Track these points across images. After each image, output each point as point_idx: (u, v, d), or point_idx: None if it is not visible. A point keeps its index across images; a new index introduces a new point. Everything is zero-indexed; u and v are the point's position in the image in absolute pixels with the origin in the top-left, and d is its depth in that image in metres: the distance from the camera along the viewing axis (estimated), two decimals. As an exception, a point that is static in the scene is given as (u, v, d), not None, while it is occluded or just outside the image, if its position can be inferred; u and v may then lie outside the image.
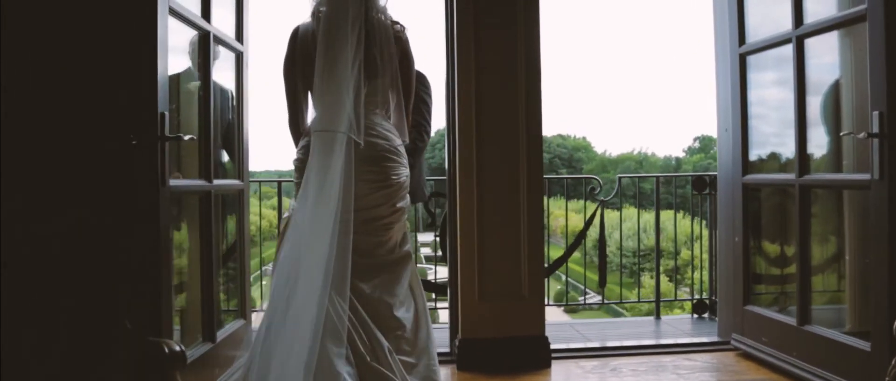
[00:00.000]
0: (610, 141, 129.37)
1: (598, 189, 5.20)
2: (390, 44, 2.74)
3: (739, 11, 3.59)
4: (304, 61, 2.76)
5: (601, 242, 5.16)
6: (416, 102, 4.16)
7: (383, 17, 2.76)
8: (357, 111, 2.64)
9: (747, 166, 3.60)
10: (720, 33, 3.75)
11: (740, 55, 3.59)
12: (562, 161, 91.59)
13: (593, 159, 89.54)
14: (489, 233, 3.44)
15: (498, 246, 3.46)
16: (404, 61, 2.85)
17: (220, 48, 3.25)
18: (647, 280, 28.12)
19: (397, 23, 2.82)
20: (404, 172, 2.82)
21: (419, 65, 3.48)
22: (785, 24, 3.22)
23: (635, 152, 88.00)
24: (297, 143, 2.88)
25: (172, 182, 2.58)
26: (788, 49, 3.20)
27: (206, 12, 2.98)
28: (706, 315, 4.81)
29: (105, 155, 2.42)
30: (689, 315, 4.93)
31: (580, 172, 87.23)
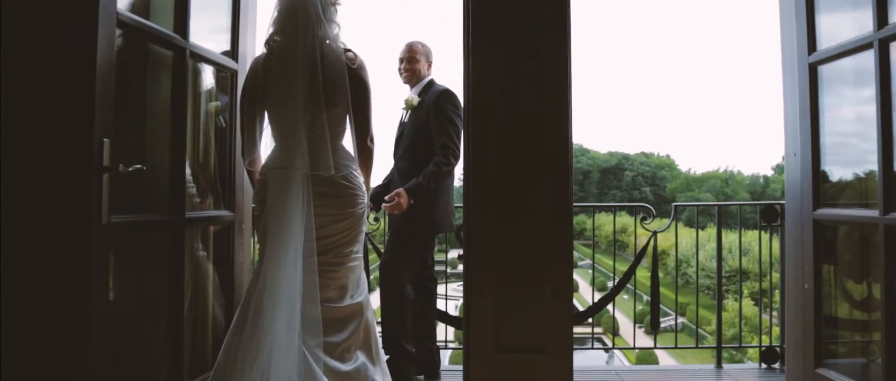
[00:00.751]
0: (695, 158, 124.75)
1: (650, 218, 4.59)
2: (342, 74, 2.74)
3: (808, 13, 2.96)
4: (254, 93, 2.79)
5: (654, 280, 4.54)
6: (443, 122, 3.74)
7: (335, 47, 2.78)
8: (312, 144, 2.68)
9: (819, 198, 2.94)
10: (787, 41, 3.12)
11: (810, 65, 2.95)
12: (645, 179, 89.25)
13: (677, 177, 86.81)
14: (506, 271, 2.91)
15: (516, 287, 2.93)
16: (359, 90, 2.83)
17: (205, 66, 2.92)
18: (731, 303, 26.60)
19: (350, 51, 2.82)
20: (362, 205, 2.87)
21: (443, 82, 3.84)
22: (865, 26, 2.62)
23: (721, 170, 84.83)
24: (247, 170, 2.97)
25: (122, 217, 2.23)
26: (869, 56, 2.59)
27: (181, 28, 2.63)
28: (777, 366, 4.11)
29: (35, 187, 2.09)
30: (757, 366, 4.24)
31: (663, 191, 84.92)
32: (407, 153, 3.89)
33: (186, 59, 2.63)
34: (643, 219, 4.53)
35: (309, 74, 2.67)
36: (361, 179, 2.92)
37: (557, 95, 2.84)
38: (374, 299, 3.40)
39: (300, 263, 2.59)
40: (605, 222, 70.70)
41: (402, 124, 3.99)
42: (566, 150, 2.89)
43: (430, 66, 3.98)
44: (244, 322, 2.58)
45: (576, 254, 69.17)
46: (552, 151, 2.87)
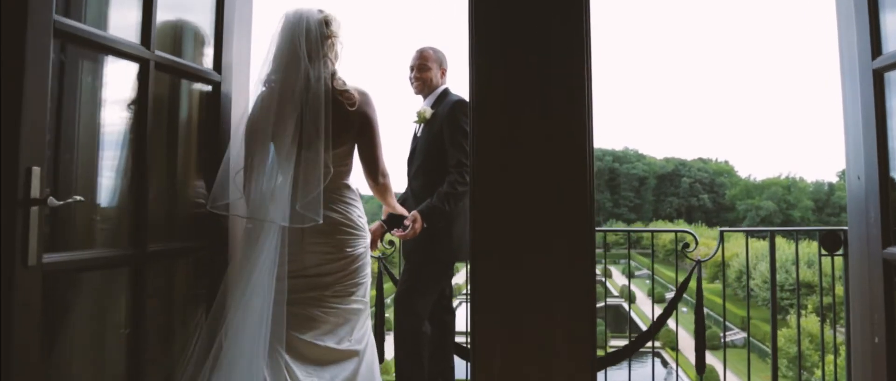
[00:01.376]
0: (755, 164, 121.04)
1: (692, 246, 4.09)
2: (344, 114, 2.68)
3: (871, 12, 2.45)
4: (254, 130, 2.70)
5: (699, 313, 4.05)
6: (457, 135, 3.37)
7: (337, 86, 2.70)
8: (303, 188, 2.58)
9: (890, 233, 2.44)
10: (845, 44, 2.58)
11: (874, 72, 2.43)
12: (703, 186, 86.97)
13: (737, 184, 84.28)
14: (513, 315, 2.48)
15: (523, 336, 2.50)
16: (363, 128, 2.76)
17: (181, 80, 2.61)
18: (793, 319, 25.37)
19: (347, 90, 2.71)
20: (362, 244, 2.80)
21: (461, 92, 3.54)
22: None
23: (782, 176, 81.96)
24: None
25: (62, 256, 1.92)
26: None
27: (145, 37, 2.32)
28: (846, 412, 3.59)
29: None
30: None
31: (722, 198, 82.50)
32: (421, 171, 3.52)
33: (150, 71, 2.32)
34: (685, 247, 4.02)
35: (298, 117, 2.61)
36: (363, 220, 2.85)
37: (574, 98, 2.42)
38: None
39: (267, 320, 2.44)
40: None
41: (415, 139, 3.63)
42: (584, 170, 2.45)
43: (444, 74, 3.61)
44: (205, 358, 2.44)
45: (633, 263, 67.94)
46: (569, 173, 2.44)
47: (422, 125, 3.59)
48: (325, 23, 2.74)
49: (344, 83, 2.74)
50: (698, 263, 4.02)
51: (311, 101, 2.63)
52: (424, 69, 3.58)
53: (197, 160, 2.76)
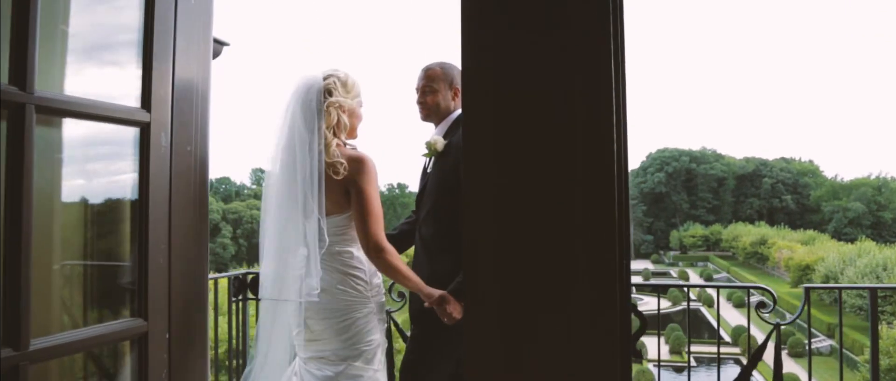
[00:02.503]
0: (842, 163, 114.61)
1: (770, 306, 3.23)
2: (335, 182, 2.65)
3: None
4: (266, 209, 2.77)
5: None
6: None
7: (328, 158, 2.65)
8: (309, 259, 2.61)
9: None
10: None
11: None
12: (785, 187, 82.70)
13: (822, 185, 79.74)
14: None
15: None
16: (355, 197, 2.67)
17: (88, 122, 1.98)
18: (885, 330, 23.34)
19: (334, 163, 2.65)
20: (360, 312, 2.68)
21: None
22: None
23: (872, 176, 76.89)
24: None
25: None
26: None
27: (19, 74, 1.69)
28: None
29: None
30: None
31: (807, 199, 78.17)
32: (431, 216, 2.81)
33: (26, 116, 1.70)
34: (760, 307, 3.16)
35: (307, 190, 2.63)
36: (366, 287, 2.73)
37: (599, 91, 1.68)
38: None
39: None
40: (741, 232, 66.35)
41: (424, 175, 2.93)
42: (610, 185, 1.69)
43: (457, 94, 2.89)
44: None
45: (711, 266, 65.55)
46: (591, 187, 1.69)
47: (432, 159, 2.89)
48: (327, 91, 2.69)
49: (336, 153, 2.67)
50: (777, 327, 3.14)
51: (309, 175, 2.62)
52: (429, 91, 2.89)
53: (120, 226, 2.14)
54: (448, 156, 2.82)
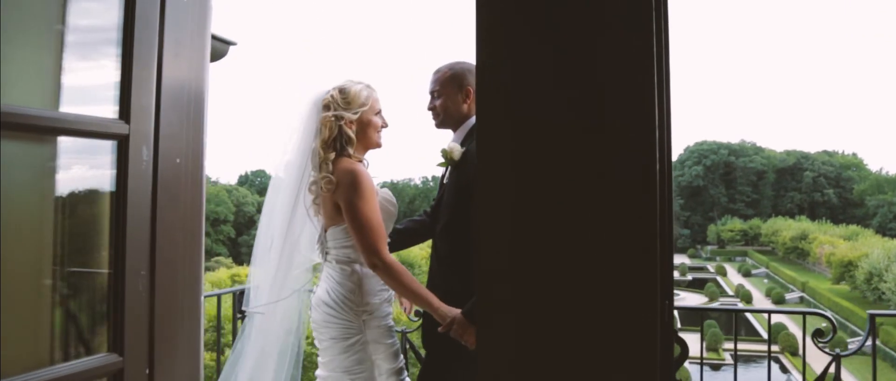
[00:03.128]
0: (887, 156, 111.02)
1: (830, 335, 2.87)
2: (330, 196, 2.60)
3: None
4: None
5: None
6: None
7: (322, 171, 2.59)
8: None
9: None
10: None
11: None
12: (828, 181, 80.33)
13: (866, 178, 77.24)
14: None
15: None
16: (345, 209, 2.58)
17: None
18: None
19: (326, 176, 2.58)
20: (341, 327, 2.56)
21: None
22: None
23: (920, 170, 74.20)
24: None
25: None
26: None
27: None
28: None
29: None
30: None
31: (850, 193, 75.81)
32: (447, 231, 2.55)
33: None
34: (817, 335, 2.80)
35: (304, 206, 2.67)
36: (354, 307, 2.60)
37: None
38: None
39: None
40: (781, 227, 64.66)
41: (441, 187, 2.67)
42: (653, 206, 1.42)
43: (471, 97, 2.61)
44: None
45: (749, 261, 64.11)
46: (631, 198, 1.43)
47: (448, 168, 2.63)
48: (324, 106, 2.64)
49: (327, 168, 2.60)
50: (837, 358, 2.79)
51: (311, 186, 2.64)
52: (437, 96, 2.63)
53: (97, 248, 1.91)
54: (465, 165, 2.56)
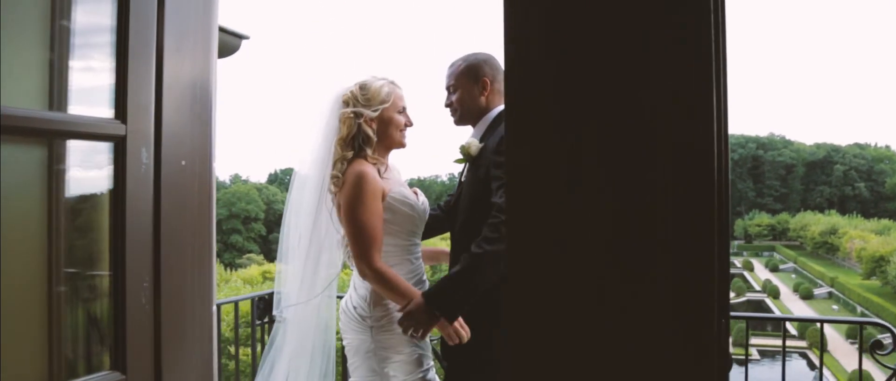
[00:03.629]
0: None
1: (891, 346, 2.63)
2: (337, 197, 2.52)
3: None
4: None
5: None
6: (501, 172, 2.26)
7: (334, 171, 2.49)
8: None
9: None
10: None
11: None
12: (859, 174, 78.59)
13: (900, 171, 75.25)
14: None
15: None
16: (343, 212, 2.46)
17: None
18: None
19: (336, 176, 2.47)
20: (354, 335, 2.48)
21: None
22: None
23: (956, 163, 72.31)
24: None
25: None
26: None
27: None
28: None
29: None
30: None
31: (882, 187, 74.07)
32: (464, 230, 2.41)
33: None
34: (876, 347, 2.56)
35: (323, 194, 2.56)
36: (363, 312, 2.47)
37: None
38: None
39: None
40: (810, 221, 63.44)
41: (459, 185, 2.52)
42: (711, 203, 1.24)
43: (489, 89, 2.44)
44: None
45: (776, 256, 63.03)
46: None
47: (466, 166, 2.47)
48: (344, 103, 2.52)
49: (339, 167, 2.49)
50: (896, 372, 2.56)
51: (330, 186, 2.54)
52: (453, 90, 2.47)
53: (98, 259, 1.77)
54: (481, 161, 2.40)
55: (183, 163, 1.94)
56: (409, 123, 2.58)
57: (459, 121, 2.52)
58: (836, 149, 78.46)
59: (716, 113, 1.21)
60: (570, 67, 1.26)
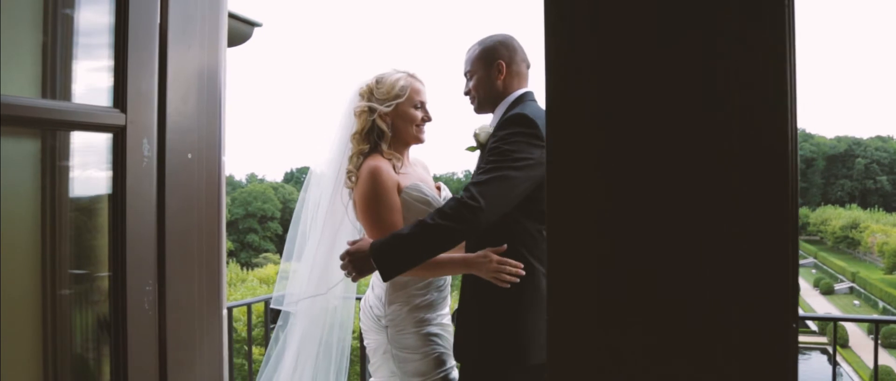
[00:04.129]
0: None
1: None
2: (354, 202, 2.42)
3: None
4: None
5: None
6: (492, 152, 2.13)
7: (350, 165, 2.39)
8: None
9: None
10: None
11: None
12: (881, 168, 77.47)
13: (923, 164, 74.09)
14: None
15: None
16: (359, 210, 2.36)
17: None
18: None
19: (351, 172, 2.37)
20: (370, 334, 2.41)
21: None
22: None
23: (980, 155, 71.12)
24: None
25: None
26: None
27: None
28: None
29: None
30: None
31: (904, 181, 72.92)
32: None
33: None
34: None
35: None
36: (379, 312, 2.39)
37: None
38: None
39: None
40: (830, 216, 62.60)
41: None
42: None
43: (506, 71, 2.26)
44: None
45: (796, 251, 62.38)
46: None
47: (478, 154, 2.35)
48: (360, 96, 2.41)
49: (354, 163, 2.38)
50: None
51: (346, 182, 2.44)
52: (470, 77, 2.33)
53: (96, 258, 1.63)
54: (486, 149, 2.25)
55: (189, 156, 1.80)
56: (426, 118, 2.44)
57: (479, 108, 2.36)
58: (857, 142, 77.37)
59: (789, 111, 1.05)
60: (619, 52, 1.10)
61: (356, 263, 2.19)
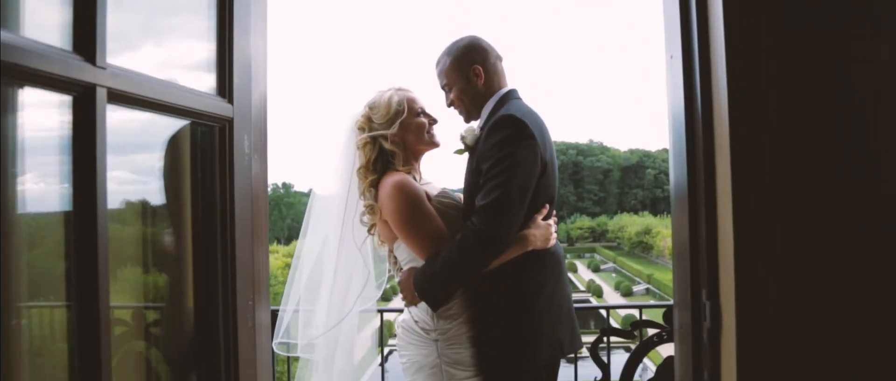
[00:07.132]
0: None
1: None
2: (380, 221, 2.33)
3: None
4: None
5: None
6: (488, 167, 2.12)
7: (365, 197, 2.35)
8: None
9: None
10: None
11: None
12: (667, 177, 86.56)
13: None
14: None
15: None
16: (396, 229, 2.28)
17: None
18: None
19: (369, 205, 2.31)
20: (415, 349, 2.28)
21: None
22: None
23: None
24: None
25: None
26: None
27: (85, 45, 1.02)
28: None
29: None
30: None
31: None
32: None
33: (95, 103, 1.03)
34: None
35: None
36: (426, 327, 2.30)
37: None
38: None
39: None
40: (627, 223, 69.13)
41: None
42: None
43: (483, 74, 2.30)
44: None
45: (597, 257, 67.95)
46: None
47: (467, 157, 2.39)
48: (359, 129, 2.38)
49: (369, 193, 2.34)
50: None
51: (363, 217, 2.40)
52: (449, 88, 2.36)
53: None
54: (474, 154, 2.28)
55: (254, 156, 1.67)
56: (433, 121, 2.40)
57: (468, 117, 2.36)
58: (647, 154, 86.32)
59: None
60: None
61: (407, 294, 2.18)
